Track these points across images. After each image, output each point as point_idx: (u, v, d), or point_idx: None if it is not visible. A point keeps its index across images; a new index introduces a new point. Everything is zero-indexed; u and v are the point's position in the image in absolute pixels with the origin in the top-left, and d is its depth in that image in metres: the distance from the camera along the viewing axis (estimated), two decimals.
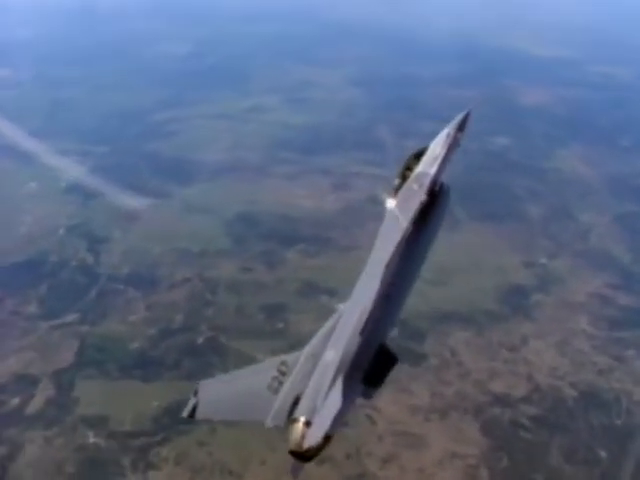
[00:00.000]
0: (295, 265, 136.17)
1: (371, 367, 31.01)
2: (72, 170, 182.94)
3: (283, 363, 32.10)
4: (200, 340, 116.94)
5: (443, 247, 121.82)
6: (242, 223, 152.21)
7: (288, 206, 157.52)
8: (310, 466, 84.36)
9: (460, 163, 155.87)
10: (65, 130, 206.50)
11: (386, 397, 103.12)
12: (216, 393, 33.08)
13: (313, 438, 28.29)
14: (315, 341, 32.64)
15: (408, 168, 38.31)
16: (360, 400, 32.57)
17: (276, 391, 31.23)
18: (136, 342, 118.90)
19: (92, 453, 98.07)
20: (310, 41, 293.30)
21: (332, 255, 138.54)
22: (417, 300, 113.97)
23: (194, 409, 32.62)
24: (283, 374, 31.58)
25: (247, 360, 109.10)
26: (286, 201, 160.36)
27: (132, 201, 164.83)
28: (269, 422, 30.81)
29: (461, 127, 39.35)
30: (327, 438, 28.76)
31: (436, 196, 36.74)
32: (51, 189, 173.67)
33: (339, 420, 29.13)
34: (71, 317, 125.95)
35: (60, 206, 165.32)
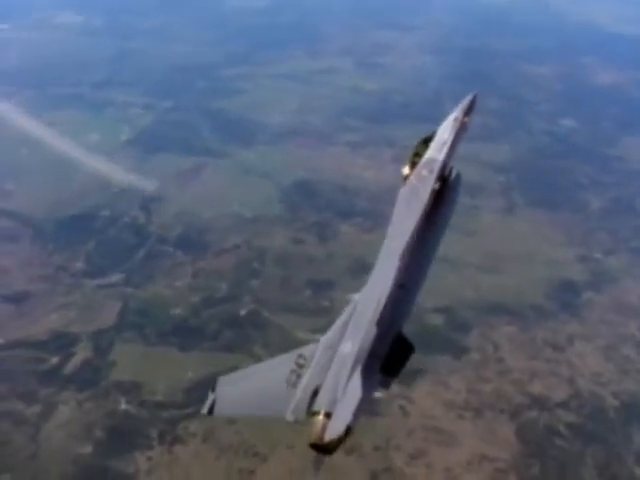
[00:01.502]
0: (348, 240, 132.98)
1: (388, 356, 30.54)
2: (134, 123, 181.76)
3: (301, 356, 31.37)
4: (242, 312, 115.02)
5: (497, 232, 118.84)
6: (298, 191, 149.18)
7: (347, 176, 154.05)
8: (336, 456, 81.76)
9: (522, 144, 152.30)
10: (131, 81, 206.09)
11: (422, 389, 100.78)
12: (234, 388, 32.56)
13: (334, 430, 27.48)
14: (332, 332, 31.90)
15: (417, 154, 36.54)
16: (381, 390, 31.73)
17: (295, 385, 30.63)
18: (178, 308, 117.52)
19: (122, 420, 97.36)
20: (388, 3, 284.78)
21: (385, 231, 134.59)
22: (467, 287, 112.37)
23: (212, 405, 32.15)
24: (301, 367, 31.01)
25: (287, 337, 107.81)
26: (346, 171, 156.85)
27: (189, 160, 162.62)
28: (289, 416, 30.15)
29: (468, 111, 37.59)
30: (348, 430, 27.67)
31: (447, 182, 35.45)
32: (112, 142, 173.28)
33: (360, 410, 28.43)
34: (116, 277, 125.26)
35: (119, 160, 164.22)
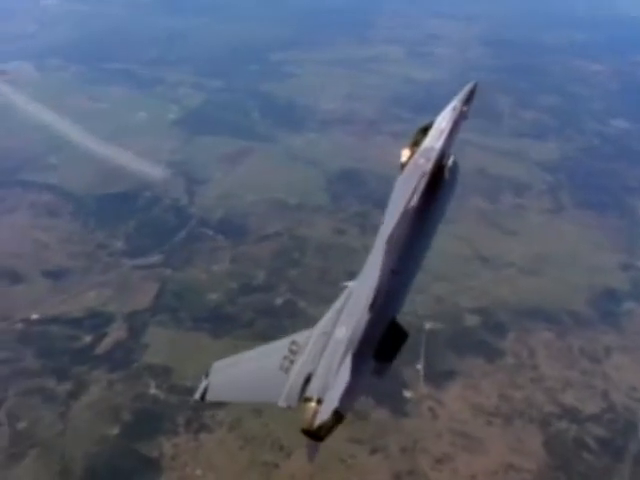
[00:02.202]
0: None
1: (382, 343, 29.87)
2: (182, 103, 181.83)
3: (294, 343, 31.31)
4: (278, 301, 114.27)
5: (541, 233, 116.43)
6: (343, 180, 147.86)
7: (393, 167, 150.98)
8: (362, 455, 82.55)
9: (572, 143, 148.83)
10: (182, 60, 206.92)
11: (452, 391, 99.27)
12: (227, 375, 32.70)
13: (322, 415, 27.49)
14: (326, 319, 31.58)
15: (415, 143, 36.72)
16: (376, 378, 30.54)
17: (287, 371, 30.58)
18: (215, 294, 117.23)
19: (150, 404, 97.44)
20: None
21: None
22: (505, 288, 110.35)
23: (205, 391, 32.34)
24: (294, 353, 30.93)
25: None
26: (392, 162, 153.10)
27: (236, 143, 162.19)
28: (281, 402, 30.05)
29: (467, 100, 37.36)
30: (339, 416, 27.95)
31: (445, 170, 35.23)
32: (159, 121, 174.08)
33: (351, 398, 28.15)
34: (155, 258, 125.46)
35: (165, 140, 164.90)
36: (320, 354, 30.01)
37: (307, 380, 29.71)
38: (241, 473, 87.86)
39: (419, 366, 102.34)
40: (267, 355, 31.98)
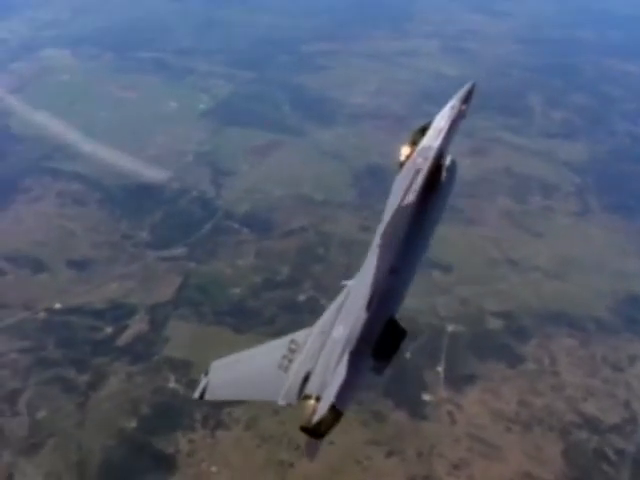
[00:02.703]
0: None
1: (380, 341, 30.12)
2: (213, 93, 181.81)
3: (293, 341, 31.91)
4: (301, 298, 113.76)
5: (568, 236, 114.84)
6: (370, 176, 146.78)
7: None
8: (378, 457, 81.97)
9: (603, 144, 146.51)
10: (215, 50, 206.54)
11: (472, 396, 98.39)
12: (227, 373, 33.47)
13: (320, 412, 27.95)
14: (324, 318, 32.02)
15: (413, 143, 36.79)
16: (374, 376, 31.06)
17: (287, 369, 31.04)
18: (238, 288, 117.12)
19: (168, 399, 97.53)
20: None
21: (455, 227, 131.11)
22: (529, 292, 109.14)
23: (204, 389, 33.06)
24: (293, 352, 31.45)
25: None
26: None
27: (264, 135, 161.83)
28: (280, 400, 30.45)
29: (466, 99, 37.87)
30: (337, 413, 28.17)
31: (443, 169, 35.34)
32: (189, 111, 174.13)
33: (349, 395, 28.56)
34: (180, 250, 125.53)
35: (194, 130, 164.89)
36: (318, 353, 30.35)
37: (306, 378, 30.04)
38: (257, 472, 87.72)
39: (439, 369, 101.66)
40: (266, 354, 32.59)
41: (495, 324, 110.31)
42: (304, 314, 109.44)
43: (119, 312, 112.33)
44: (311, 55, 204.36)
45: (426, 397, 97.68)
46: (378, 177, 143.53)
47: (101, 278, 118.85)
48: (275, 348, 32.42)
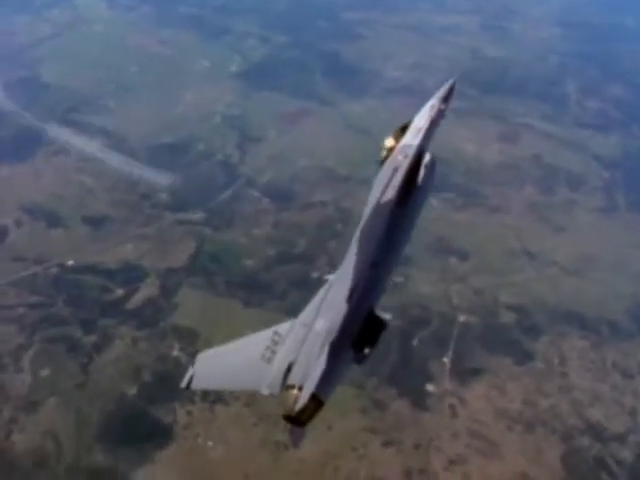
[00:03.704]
0: (435, 215, 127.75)
1: (360, 333, 30.80)
2: (247, 55, 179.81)
3: (276, 333, 32.45)
4: (315, 275, 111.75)
5: (590, 232, 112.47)
6: None
7: (448, 146, 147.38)
8: (375, 445, 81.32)
9: (636, 140, 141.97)
10: (252, 10, 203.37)
11: (477, 390, 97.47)
12: (212, 364, 33.86)
13: (302, 400, 28.59)
14: (307, 311, 32.56)
15: (396, 139, 36.16)
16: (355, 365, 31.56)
17: (269, 360, 31.79)
18: (252, 260, 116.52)
19: (171, 367, 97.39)
20: None
21: (477, 213, 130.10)
22: (546, 288, 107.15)
23: (191, 380, 33.53)
24: (276, 344, 32.13)
25: None
26: (447, 140, 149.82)
27: (294, 103, 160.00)
28: (264, 390, 31.13)
29: (446, 98, 36.69)
30: (318, 402, 28.94)
31: (422, 167, 34.89)
32: (221, 71, 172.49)
33: (329, 384, 29.42)
34: (198, 215, 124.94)
35: (224, 91, 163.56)
36: (301, 344, 31.02)
37: (289, 369, 30.67)
38: (252, 450, 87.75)
39: (446, 359, 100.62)
40: (250, 345, 32.98)
41: (508, 317, 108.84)
42: (316, 291, 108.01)
43: (131, 274, 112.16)
44: (350, 23, 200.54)
45: (430, 388, 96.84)
46: None
47: (116, 237, 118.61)
48: (259, 340, 32.78)
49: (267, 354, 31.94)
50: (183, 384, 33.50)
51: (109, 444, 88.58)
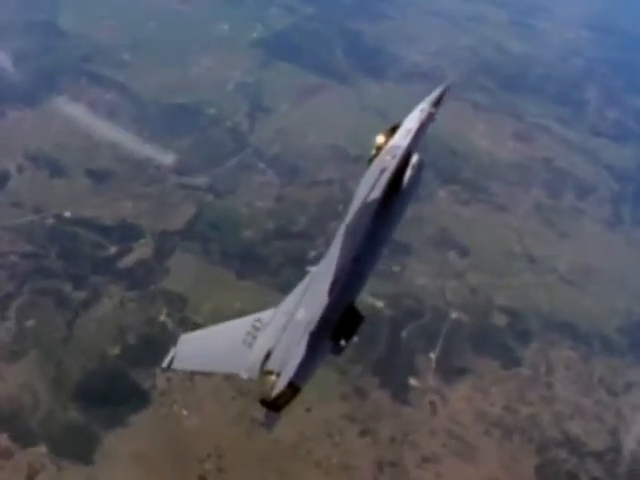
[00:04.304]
0: (441, 207, 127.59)
1: (339, 325, 31.89)
2: (268, 23, 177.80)
3: (258, 320, 33.24)
4: (312, 254, 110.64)
5: (594, 243, 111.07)
6: None
7: (461, 139, 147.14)
8: (351, 434, 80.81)
9: None
10: None
11: (459, 390, 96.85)
12: (194, 346, 34.59)
13: (279, 386, 29.58)
14: (289, 300, 33.26)
15: (386, 141, 37.56)
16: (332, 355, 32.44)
17: (250, 345, 32.52)
18: (250, 231, 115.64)
19: (156, 332, 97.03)
20: None
21: (483, 209, 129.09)
22: (542, 294, 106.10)
23: (172, 360, 34.03)
24: (257, 330, 32.86)
25: None
26: (462, 133, 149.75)
27: (311, 76, 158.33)
28: (243, 374, 31.72)
29: (437, 103, 37.99)
30: (295, 389, 29.90)
31: (409, 168, 36.50)
32: (240, 37, 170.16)
33: (307, 372, 30.43)
34: (201, 180, 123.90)
35: (241, 58, 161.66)
36: (281, 332, 31.78)
37: (268, 355, 31.32)
38: (226, 424, 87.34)
39: (433, 355, 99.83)
40: (232, 330, 33.58)
41: (500, 320, 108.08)
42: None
43: (127, 233, 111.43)
44: (377, 2, 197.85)
45: (413, 382, 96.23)
46: None
47: (116, 194, 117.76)
48: (241, 325, 33.39)
49: (248, 339, 32.47)
50: (164, 364, 33.97)
51: (85, 402, 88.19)
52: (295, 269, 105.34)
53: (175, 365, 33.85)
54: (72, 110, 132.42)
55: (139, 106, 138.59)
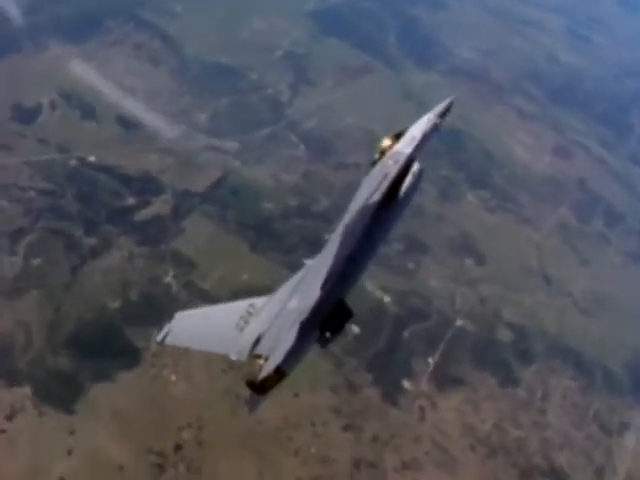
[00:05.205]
0: (466, 210, 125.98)
1: (328, 318, 33.37)
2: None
3: (252, 305, 34.54)
4: (327, 237, 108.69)
5: (613, 274, 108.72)
6: (446, 137, 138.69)
7: (500, 144, 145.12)
8: (334, 427, 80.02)
9: None
10: None
11: (452, 400, 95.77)
12: (188, 324, 35.62)
13: (266, 370, 30.72)
14: (283, 289, 34.61)
15: (390, 146, 38.26)
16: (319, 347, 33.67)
17: (242, 329, 33.69)
18: (271, 204, 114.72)
19: (159, 292, 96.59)
20: None
21: (507, 220, 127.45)
22: (552, 316, 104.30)
23: (166, 335, 35.22)
24: (250, 315, 34.06)
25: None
26: (501, 138, 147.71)
27: (359, 57, 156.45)
28: (232, 355, 33.00)
29: (443, 114, 38.85)
30: (281, 374, 31.15)
31: (409, 175, 37.38)
32: (295, 6, 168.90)
33: (294, 359, 31.66)
34: (230, 145, 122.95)
35: (293, 27, 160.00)
36: (273, 319, 33.05)
37: (258, 340, 32.50)
38: (212, 395, 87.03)
39: (431, 360, 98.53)
40: (226, 312, 34.83)
41: (505, 335, 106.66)
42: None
43: (148, 186, 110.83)
44: None
45: (406, 384, 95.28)
46: (451, 141, 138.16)
47: (143, 145, 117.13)
48: (235, 309, 34.67)
49: (240, 323, 33.65)
50: (158, 338, 35.07)
51: (76, 351, 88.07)
52: (309, 249, 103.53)
53: (169, 340, 34.87)
54: (114, 53, 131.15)
55: (181, 59, 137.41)
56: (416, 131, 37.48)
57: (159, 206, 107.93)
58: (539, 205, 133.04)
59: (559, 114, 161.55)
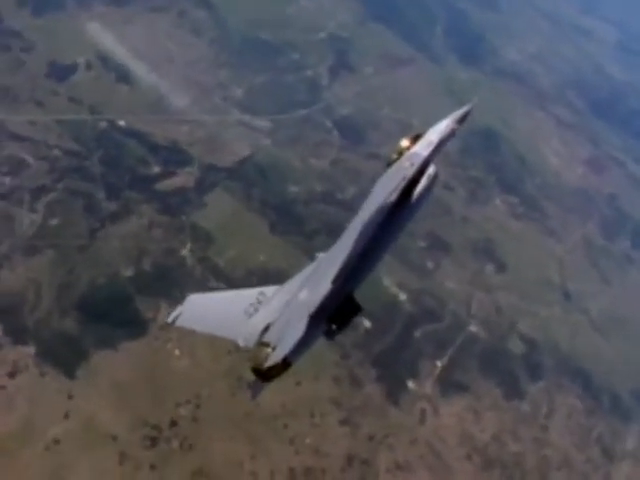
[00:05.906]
0: (492, 214, 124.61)
1: (336, 311, 33.90)
2: None
3: (262, 293, 35.06)
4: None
5: (634, 296, 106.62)
6: (481, 137, 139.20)
7: (534, 151, 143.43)
8: (332, 420, 79.25)
9: None
10: None
11: (455, 406, 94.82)
12: (199, 307, 35.87)
13: (273, 359, 31.22)
14: (294, 280, 35.21)
15: (408, 147, 37.96)
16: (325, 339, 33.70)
17: (251, 316, 34.29)
18: (297, 187, 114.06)
19: (174, 264, 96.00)
20: None
21: (533, 229, 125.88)
22: (566, 332, 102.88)
23: (177, 317, 35.43)
24: (260, 303, 34.55)
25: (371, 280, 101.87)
26: (536, 144, 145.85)
27: (405, 49, 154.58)
28: (241, 342, 33.58)
29: (461, 120, 38.07)
30: (287, 363, 31.52)
31: (425, 177, 37.56)
32: None
33: (300, 350, 32.11)
34: (263, 123, 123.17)
35: (341, 9, 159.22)
36: (282, 309, 33.65)
37: (266, 328, 33.06)
38: (213, 374, 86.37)
39: (439, 363, 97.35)
40: (237, 299, 35.28)
41: (516, 346, 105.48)
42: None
43: (175, 156, 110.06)
44: None
45: (410, 385, 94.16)
46: (486, 141, 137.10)
47: (175, 115, 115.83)
48: (245, 296, 35.17)
49: (250, 310, 34.24)
50: (169, 319, 35.20)
51: (84, 315, 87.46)
52: (329, 237, 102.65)
53: (179, 322, 35.10)
54: (156, 18, 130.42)
55: (224, 31, 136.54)
56: (434, 135, 37.22)
57: (184, 177, 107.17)
58: (566, 217, 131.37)
59: (598, 127, 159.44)
